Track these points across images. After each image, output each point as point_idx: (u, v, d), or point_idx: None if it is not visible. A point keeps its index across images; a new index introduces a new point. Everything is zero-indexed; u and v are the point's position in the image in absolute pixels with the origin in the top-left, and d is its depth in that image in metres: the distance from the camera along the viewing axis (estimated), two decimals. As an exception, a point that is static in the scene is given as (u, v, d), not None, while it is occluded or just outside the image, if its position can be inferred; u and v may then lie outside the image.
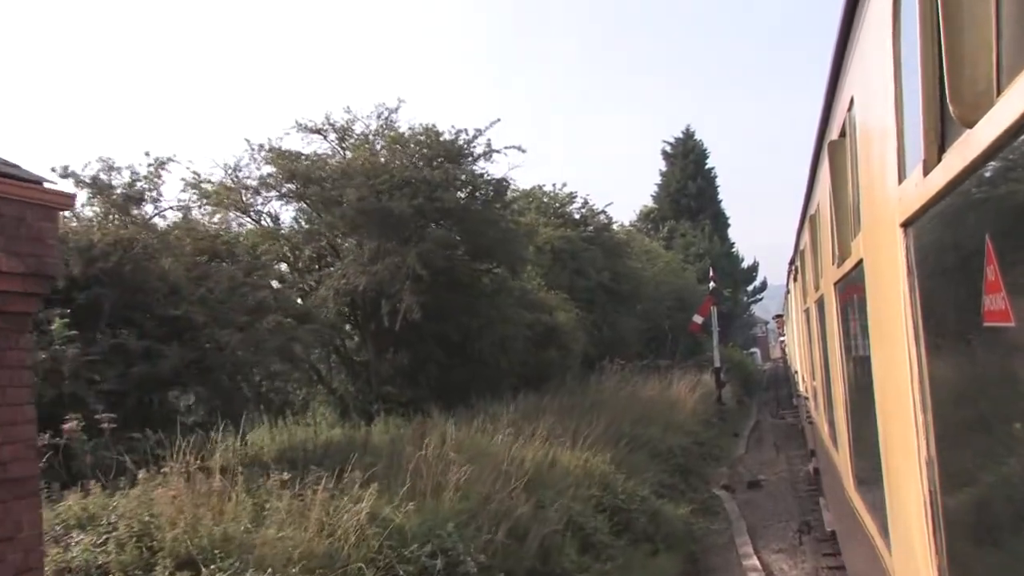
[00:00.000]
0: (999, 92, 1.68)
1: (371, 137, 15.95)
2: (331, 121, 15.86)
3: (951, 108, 1.87)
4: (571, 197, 25.04)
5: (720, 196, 50.00)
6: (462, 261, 15.91)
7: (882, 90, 2.87)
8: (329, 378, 16.27)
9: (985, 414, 2.14)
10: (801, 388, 17.32)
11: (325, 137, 15.96)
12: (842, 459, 6.08)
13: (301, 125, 15.57)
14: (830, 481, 8.31)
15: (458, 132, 15.96)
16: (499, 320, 16.16)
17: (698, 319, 25.19)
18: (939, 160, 2.09)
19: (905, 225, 2.56)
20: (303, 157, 15.14)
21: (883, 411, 3.43)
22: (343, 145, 16.13)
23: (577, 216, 24.95)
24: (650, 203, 49.20)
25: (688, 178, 48.15)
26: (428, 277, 14.00)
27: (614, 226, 28.63)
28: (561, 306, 19.88)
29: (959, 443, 2.35)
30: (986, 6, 1.75)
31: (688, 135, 49.74)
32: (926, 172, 2.20)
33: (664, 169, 49.65)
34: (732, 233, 49.94)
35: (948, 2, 1.87)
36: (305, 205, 15.65)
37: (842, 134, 4.62)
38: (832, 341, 6.37)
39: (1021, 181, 1.65)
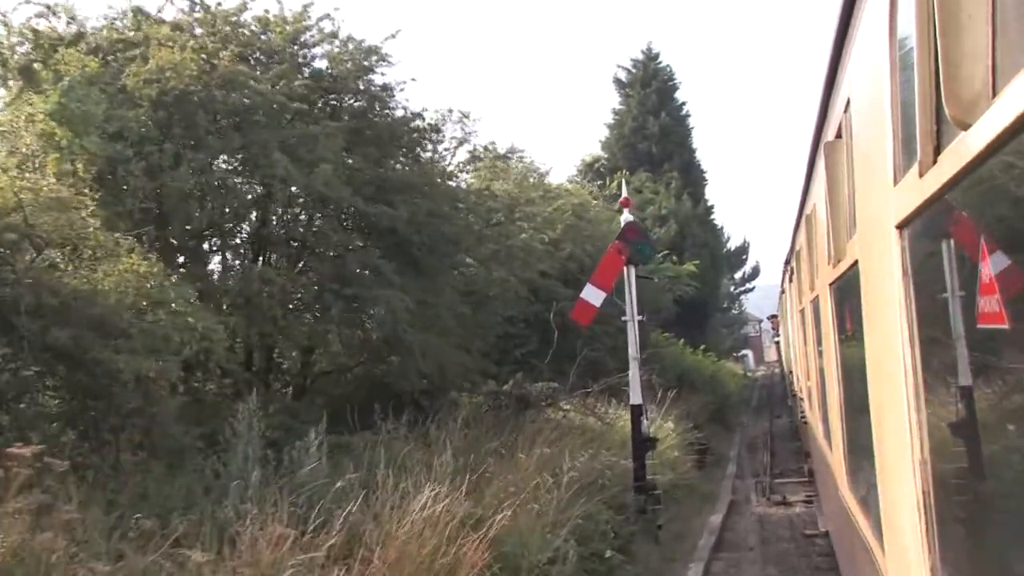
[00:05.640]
0: (995, 94, 1.69)
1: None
2: None
3: (947, 110, 1.88)
4: (305, 22, 11.03)
5: (694, 143, 37.19)
6: None
7: (878, 92, 2.87)
8: None
9: (979, 415, 2.15)
10: (795, 388, 17.30)
11: None
12: (836, 459, 6.09)
13: None
14: (824, 481, 8.34)
15: None
16: None
17: (592, 296, 10.90)
18: (935, 162, 2.10)
19: (900, 227, 2.56)
20: None
21: (877, 412, 3.44)
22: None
23: (321, 64, 11.22)
24: (598, 151, 35.31)
25: (648, 113, 34.80)
26: None
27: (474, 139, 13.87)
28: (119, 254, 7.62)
29: (953, 444, 2.37)
30: (983, 8, 1.76)
31: (650, 56, 36.72)
32: (922, 174, 2.20)
33: (618, 106, 36.41)
34: (717, 201, 36.44)
35: (945, 3, 1.87)
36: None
37: (838, 135, 4.63)
38: (827, 342, 6.38)
39: (1016, 183, 1.66)
